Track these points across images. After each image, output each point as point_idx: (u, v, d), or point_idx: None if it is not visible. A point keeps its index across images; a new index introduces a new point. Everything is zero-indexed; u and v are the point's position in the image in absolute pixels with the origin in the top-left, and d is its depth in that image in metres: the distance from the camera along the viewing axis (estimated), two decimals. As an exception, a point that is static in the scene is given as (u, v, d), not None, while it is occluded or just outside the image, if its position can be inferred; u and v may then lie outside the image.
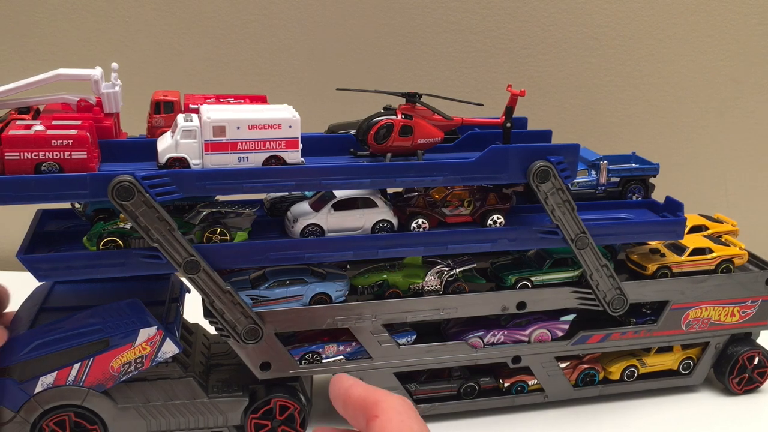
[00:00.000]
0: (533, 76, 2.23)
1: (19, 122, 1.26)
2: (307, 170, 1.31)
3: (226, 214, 1.35)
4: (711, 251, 1.60)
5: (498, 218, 1.45)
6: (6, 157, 1.19)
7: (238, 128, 1.27)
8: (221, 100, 1.45)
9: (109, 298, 1.36)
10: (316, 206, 1.40)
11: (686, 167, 2.30)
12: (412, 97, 1.38)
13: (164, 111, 1.40)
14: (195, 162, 1.28)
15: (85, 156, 1.22)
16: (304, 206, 1.42)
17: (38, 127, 1.24)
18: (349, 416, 1.10)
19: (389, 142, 1.36)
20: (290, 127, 1.30)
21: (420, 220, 1.42)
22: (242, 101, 1.46)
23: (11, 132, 1.20)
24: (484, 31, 2.21)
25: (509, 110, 1.43)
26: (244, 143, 1.28)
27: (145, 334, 1.30)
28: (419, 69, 2.22)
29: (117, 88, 1.34)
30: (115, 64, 1.33)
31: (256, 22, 2.16)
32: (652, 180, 1.66)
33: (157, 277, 1.46)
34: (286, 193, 1.49)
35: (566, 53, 2.23)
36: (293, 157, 1.31)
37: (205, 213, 1.33)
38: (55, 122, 1.27)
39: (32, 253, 1.30)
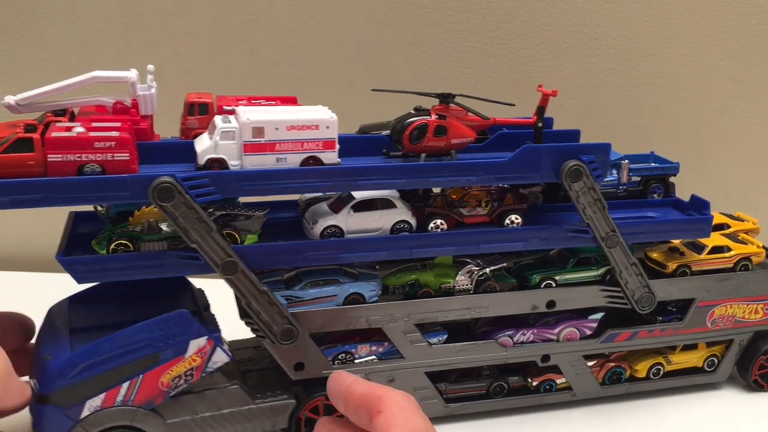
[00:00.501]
0: (534, 76, 2.25)
1: (58, 124, 1.26)
2: (344, 171, 1.31)
3: (236, 216, 1.35)
4: (729, 249, 1.62)
5: (516, 218, 1.46)
6: (49, 159, 1.19)
7: (277, 129, 1.28)
8: (253, 101, 1.46)
9: (134, 315, 1.34)
10: (335, 207, 1.40)
11: (689, 166, 2.32)
12: (445, 98, 1.39)
13: (198, 113, 1.40)
14: (233, 163, 1.28)
15: (128, 157, 1.23)
16: (323, 207, 1.42)
17: (78, 128, 1.24)
18: (351, 413, 1.10)
19: (423, 143, 1.37)
20: (327, 127, 1.31)
21: (438, 221, 1.43)
22: (274, 102, 1.46)
23: (54, 134, 1.20)
24: (484, 31, 2.23)
25: (541, 110, 1.44)
26: (282, 144, 1.29)
27: (195, 345, 1.29)
28: (423, 69, 2.24)
29: (153, 90, 1.34)
30: (151, 66, 1.34)
31: (271, 22, 2.17)
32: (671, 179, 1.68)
33: (175, 288, 1.44)
34: (321, 194, 1.50)
35: (566, 53, 2.25)
36: (330, 157, 1.32)
37: (216, 216, 1.33)
38: (94, 124, 1.27)
39: (68, 255, 1.30)
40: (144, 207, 1.33)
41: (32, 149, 1.19)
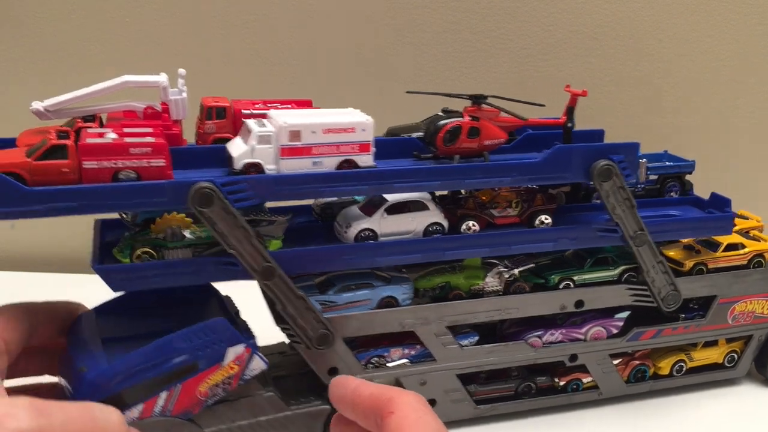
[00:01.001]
0: (533, 76, 2.26)
1: (90, 130, 1.23)
2: (380, 173, 1.31)
3: (259, 222, 1.33)
4: (743, 246, 1.64)
5: (546, 218, 1.46)
6: (84, 166, 1.17)
7: (313, 132, 1.27)
8: (268, 105, 1.44)
9: (164, 324, 1.31)
10: (368, 210, 1.40)
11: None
12: (478, 99, 1.39)
13: (216, 117, 1.38)
14: (270, 167, 1.27)
15: (164, 164, 1.20)
16: (355, 211, 1.42)
17: (111, 134, 1.21)
18: (359, 417, 1.06)
19: (457, 144, 1.37)
20: (363, 130, 1.30)
21: (470, 222, 1.42)
22: (289, 106, 1.45)
23: (89, 140, 1.18)
24: (484, 31, 2.23)
25: (570, 110, 1.45)
26: (318, 147, 1.28)
27: (233, 353, 1.27)
28: (423, 68, 2.24)
29: (184, 95, 1.32)
30: (182, 70, 1.32)
31: (270, 24, 2.16)
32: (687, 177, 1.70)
33: (201, 295, 1.41)
34: (335, 198, 1.48)
35: (566, 53, 2.25)
36: (366, 160, 1.31)
37: None
38: (126, 130, 1.24)
39: (101, 263, 1.27)
40: (166, 214, 1.30)
41: (66, 156, 1.17)
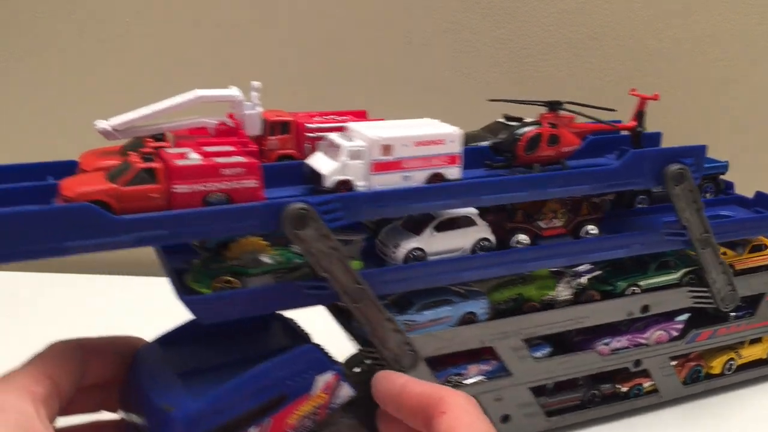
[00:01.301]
0: (534, 76, 2.25)
1: (169, 151, 1.13)
2: (470, 186, 1.26)
3: None
4: (766, 247, 1.66)
5: (592, 229, 1.44)
6: (175, 190, 1.07)
7: (405, 145, 1.21)
8: (325, 117, 1.37)
9: (239, 353, 1.25)
10: (415, 228, 1.31)
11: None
12: (555, 105, 1.36)
13: (279, 132, 1.30)
14: (360, 184, 1.20)
15: (256, 184, 1.12)
16: (398, 229, 1.33)
17: (193, 155, 1.12)
18: (406, 414, 1.05)
19: (538, 152, 1.33)
20: (452, 141, 1.25)
21: (521, 236, 1.38)
22: (346, 117, 1.38)
23: (178, 162, 1.08)
24: (484, 31, 2.21)
25: (640, 114, 1.43)
26: (409, 161, 1.22)
27: (322, 381, 1.19)
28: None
29: (258, 109, 1.24)
30: (256, 83, 1.23)
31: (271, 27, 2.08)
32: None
33: (265, 320, 1.33)
34: None
35: (566, 53, 2.26)
36: (453, 173, 1.26)
37: None
38: (207, 149, 1.15)
39: (188, 294, 1.17)
40: (240, 238, 1.22)
41: (155, 180, 1.07)
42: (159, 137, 1.20)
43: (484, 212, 1.36)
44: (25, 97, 2.31)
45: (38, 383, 0.95)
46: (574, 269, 1.47)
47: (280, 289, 1.19)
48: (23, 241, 0.99)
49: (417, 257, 1.27)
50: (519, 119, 1.40)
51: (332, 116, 1.35)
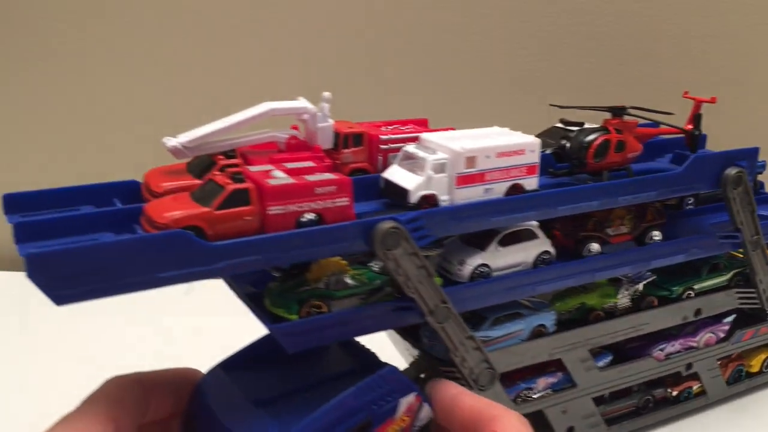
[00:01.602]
0: (534, 75, 2.24)
1: (253, 169, 1.06)
2: (549, 197, 1.22)
3: None
4: None
5: (656, 234, 1.42)
6: (269, 212, 1.00)
7: (488, 157, 1.16)
8: (392, 128, 1.32)
9: (311, 376, 1.19)
10: (478, 243, 1.26)
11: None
12: (619, 111, 1.33)
13: (352, 145, 1.24)
14: (444, 198, 1.15)
15: (347, 203, 1.06)
16: (459, 244, 1.28)
17: (277, 173, 1.06)
18: (455, 425, 1.05)
19: (606, 159, 1.30)
20: (532, 151, 1.21)
21: (594, 245, 1.35)
22: (410, 127, 1.33)
23: (271, 182, 1.01)
24: (484, 31, 2.19)
25: (697, 118, 1.42)
26: (491, 173, 1.17)
27: (405, 403, 1.14)
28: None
29: (330, 121, 1.17)
30: (327, 94, 1.16)
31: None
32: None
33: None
34: None
35: (566, 53, 2.25)
36: (531, 183, 1.22)
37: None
38: (287, 165, 1.09)
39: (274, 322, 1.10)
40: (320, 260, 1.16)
41: (249, 202, 1.00)
42: (231, 154, 1.12)
43: (546, 223, 1.32)
44: (66, 116, 2.28)
45: (100, 426, 0.88)
46: (629, 276, 1.45)
47: (368, 311, 1.13)
48: (114, 275, 0.91)
49: (482, 274, 1.23)
50: (578, 124, 1.38)
51: (396, 126, 1.30)
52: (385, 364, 1.25)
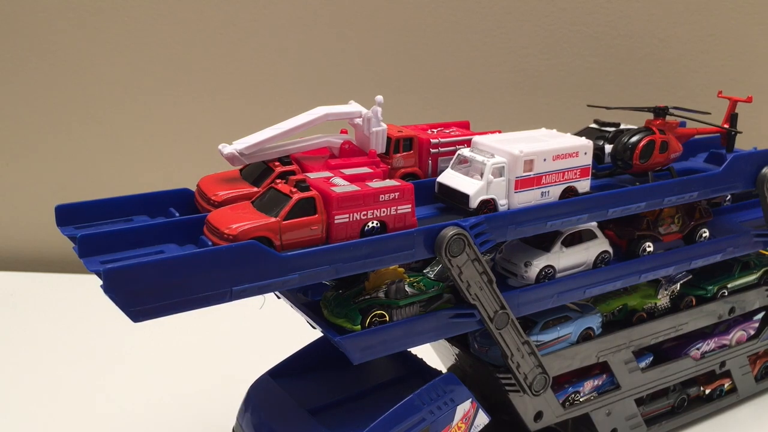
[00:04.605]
0: (534, 75, 2.23)
1: (313, 176, 1.03)
2: (603, 199, 1.21)
3: None
4: None
5: (705, 232, 1.43)
6: (336, 221, 0.98)
7: (545, 160, 1.15)
8: (437, 131, 1.30)
9: (359, 383, 1.21)
10: (541, 244, 1.25)
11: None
12: (661, 112, 1.33)
13: (403, 149, 1.21)
14: (502, 202, 1.13)
15: (409, 209, 1.04)
16: (522, 246, 1.26)
17: (339, 180, 1.03)
18: None
19: (651, 160, 1.30)
20: (585, 153, 1.20)
21: (648, 243, 1.35)
22: (453, 130, 1.31)
23: (337, 190, 0.99)
24: (484, 31, 2.18)
25: (734, 117, 1.42)
26: (547, 176, 1.16)
27: (461, 410, 1.14)
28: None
29: (383, 125, 1.15)
30: (379, 98, 1.14)
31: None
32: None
33: None
34: None
35: (566, 52, 2.24)
36: (584, 186, 1.21)
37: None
38: (346, 172, 1.06)
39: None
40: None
41: (315, 211, 0.97)
42: (286, 160, 1.09)
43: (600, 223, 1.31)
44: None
45: None
46: (668, 276, 1.45)
47: (430, 319, 1.11)
48: (191, 289, 0.87)
49: (548, 275, 1.22)
50: (614, 124, 1.37)
51: (441, 129, 1.28)
52: (437, 370, 1.24)
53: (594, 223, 1.28)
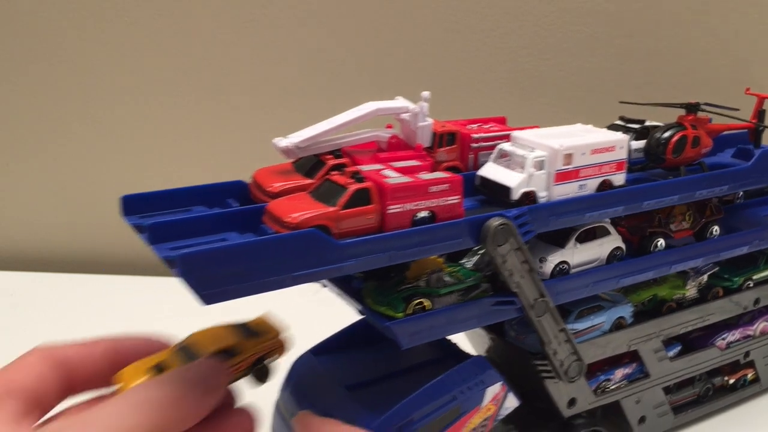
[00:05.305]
0: (535, 75, 2.26)
1: (365, 169, 1.08)
2: (638, 192, 1.26)
3: None
4: None
5: (715, 229, 1.46)
6: (389, 211, 1.02)
7: (583, 154, 1.19)
8: (477, 126, 1.35)
9: (394, 362, 1.25)
10: (556, 240, 1.28)
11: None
12: (693, 108, 1.37)
13: (446, 144, 1.26)
14: (542, 195, 1.18)
15: (458, 200, 1.08)
16: (538, 243, 1.28)
17: (389, 172, 1.08)
18: None
19: (683, 155, 1.34)
20: (621, 148, 1.24)
21: (661, 240, 1.38)
22: (492, 126, 1.36)
23: (390, 181, 1.03)
24: (485, 31, 2.22)
25: (762, 113, 1.46)
26: (585, 169, 1.21)
27: (491, 392, 1.18)
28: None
29: (429, 120, 1.19)
30: (426, 93, 1.18)
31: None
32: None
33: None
34: None
35: (566, 52, 2.26)
36: (619, 179, 1.26)
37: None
38: (397, 164, 1.11)
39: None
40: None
41: (370, 201, 1.02)
42: (338, 153, 1.13)
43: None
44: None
45: None
46: (695, 268, 1.49)
47: (472, 307, 1.15)
48: (255, 274, 0.92)
49: (563, 270, 1.26)
50: (639, 121, 1.41)
51: (480, 124, 1.32)
52: (469, 354, 1.29)
53: (607, 220, 1.32)
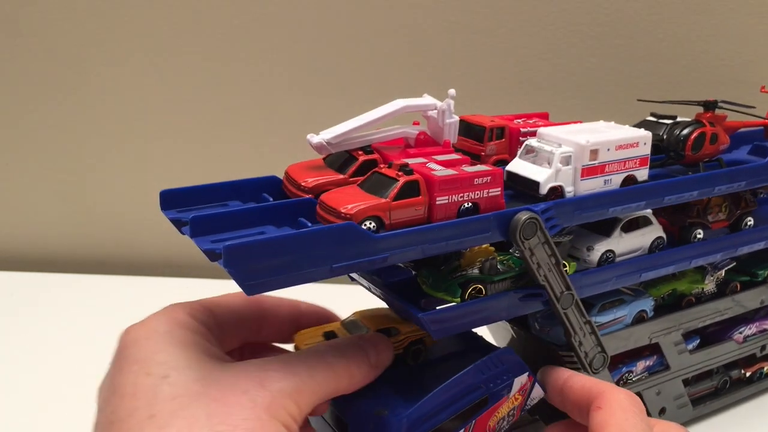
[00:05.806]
0: (535, 75, 2.29)
1: (412, 162, 1.12)
2: (660, 187, 1.28)
3: None
4: None
5: (750, 220, 1.49)
6: (437, 202, 1.06)
7: (608, 150, 1.22)
8: (523, 121, 1.38)
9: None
10: (602, 230, 1.32)
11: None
12: (711, 105, 1.40)
13: (496, 138, 1.29)
14: (569, 189, 1.20)
15: (499, 193, 1.12)
16: (584, 232, 1.34)
17: (433, 165, 1.11)
18: (568, 407, 1.14)
19: (702, 151, 1.37)
20: (645, 144, 1.27)
21: (699, 231, 1.42)
22: (535, 120, 1.39)
23: (438, 174, 1.07)
24: (484, 30, 2.24)
25: (778, 111, 1.49)
26: (610, 165, 1.23)
27: (519, 383, 1.20)
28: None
29: (455, 117, 1.22)
30: (452, 91, 1.21)
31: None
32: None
33: None
34: None
35: (566, 52, 2.28)
36: (643, 175, 1.28)
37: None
38: (438, 158, 1.15)
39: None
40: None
41: (419, 192, 1.06)
42: (368, 149, 1.16)
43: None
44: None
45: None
46: (713, 263, 1.52)
47: (500, 300, 1.17)
48: (297, 265, 0.94)
49: (609, 259, 1.29)
50: (671, 117, 1.43)
51: (524, 119, 1.36)
52: (495, 346, 1.31)
53: (649, 210, 1.35)
